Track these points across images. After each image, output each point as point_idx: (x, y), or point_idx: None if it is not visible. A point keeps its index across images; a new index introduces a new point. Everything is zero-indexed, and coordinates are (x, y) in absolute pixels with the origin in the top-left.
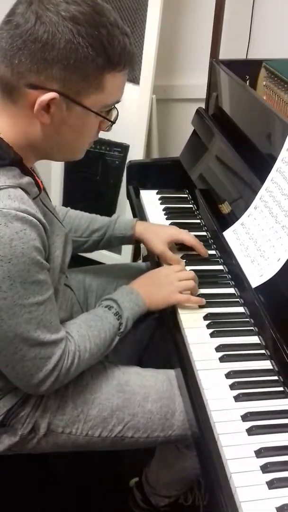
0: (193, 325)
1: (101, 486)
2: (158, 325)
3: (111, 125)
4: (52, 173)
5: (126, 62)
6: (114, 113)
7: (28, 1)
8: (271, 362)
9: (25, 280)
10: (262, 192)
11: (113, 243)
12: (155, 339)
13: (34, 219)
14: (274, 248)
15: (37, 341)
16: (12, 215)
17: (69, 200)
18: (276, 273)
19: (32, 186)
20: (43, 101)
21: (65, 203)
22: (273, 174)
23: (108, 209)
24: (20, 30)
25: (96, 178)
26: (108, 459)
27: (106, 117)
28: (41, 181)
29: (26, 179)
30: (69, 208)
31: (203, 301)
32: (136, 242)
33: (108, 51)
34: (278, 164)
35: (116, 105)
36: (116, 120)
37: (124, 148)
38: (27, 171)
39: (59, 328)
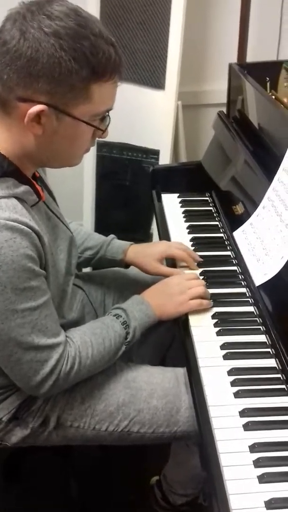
0: (201, 324)
1: (124, 484)
2: None
3: (103, 133)
4: (84, 180)
5: (112, 71)
6: (107, 121)
7: (13, 18)
8: (275, 360)
9: (16, 286)
10: (269, 191)
11: (103, 264)
12: (177, 341)
13: (25, 227)
14: (278, 247)
15: (32, 345)
16: (1, 224)
17: (101, 207)
18: (280, 271)
19: (30, 194)
20: (31, 113)
21: (97, 210)
22: (279, 173)
23: (145, 214)
24: (6, 47)
25: (127, 184)
26: (132, 457)
27: (97, 126)
28: (43, 188)
29: (23, 188)
30: (72, 221)
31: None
32: (127, 266)
33: (92, 62)
34: (285, 163)
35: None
36: (107, 128)
37: (158, 154)
38: (25, 180)
39: (58, 332)
